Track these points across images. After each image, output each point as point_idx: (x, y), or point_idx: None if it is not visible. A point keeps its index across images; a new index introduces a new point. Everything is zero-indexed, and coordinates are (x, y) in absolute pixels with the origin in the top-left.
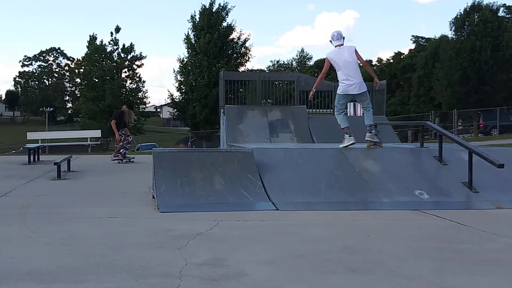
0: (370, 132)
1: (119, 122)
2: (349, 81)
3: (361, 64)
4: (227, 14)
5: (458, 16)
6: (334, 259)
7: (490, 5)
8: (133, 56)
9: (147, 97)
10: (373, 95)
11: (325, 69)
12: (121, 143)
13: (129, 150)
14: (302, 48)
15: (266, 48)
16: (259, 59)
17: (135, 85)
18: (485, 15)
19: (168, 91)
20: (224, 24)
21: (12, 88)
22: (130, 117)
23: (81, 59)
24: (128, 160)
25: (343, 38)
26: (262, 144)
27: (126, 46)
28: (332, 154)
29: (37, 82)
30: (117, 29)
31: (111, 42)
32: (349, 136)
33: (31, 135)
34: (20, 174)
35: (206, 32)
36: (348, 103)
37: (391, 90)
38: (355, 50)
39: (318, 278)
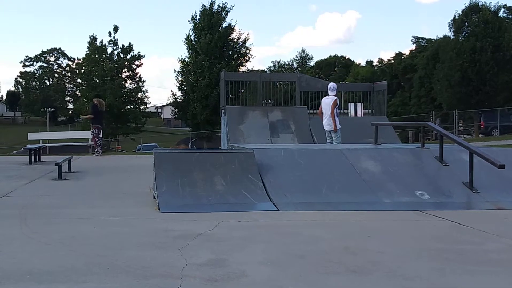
0: None
1: (96, 115)
2: None
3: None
4: (226, 14)
5: (457, 17)
6: (334, 260)
7: (488, 5)
8: (132, 56)
9: (147, 97)
10: (374, 95)
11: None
12: (96, 139)
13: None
14: (303, 49)
15: (268, 48)
16: (260, 60)
17: (135, 85)
18: (485, 16)
19: (171, 91)
20: (224, 24)
21: (13, 88)
22: (102, 106)
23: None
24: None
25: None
26: (263, 144)
27: (125, 46)
28: (333, 154)
29: (38, 83)
30: (116, 29)
31: (111, 42)
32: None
33: (32, 136)
34: (21, 174)
35: (207, 32)
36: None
37: (392, 90)
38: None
39: (319, 278)
